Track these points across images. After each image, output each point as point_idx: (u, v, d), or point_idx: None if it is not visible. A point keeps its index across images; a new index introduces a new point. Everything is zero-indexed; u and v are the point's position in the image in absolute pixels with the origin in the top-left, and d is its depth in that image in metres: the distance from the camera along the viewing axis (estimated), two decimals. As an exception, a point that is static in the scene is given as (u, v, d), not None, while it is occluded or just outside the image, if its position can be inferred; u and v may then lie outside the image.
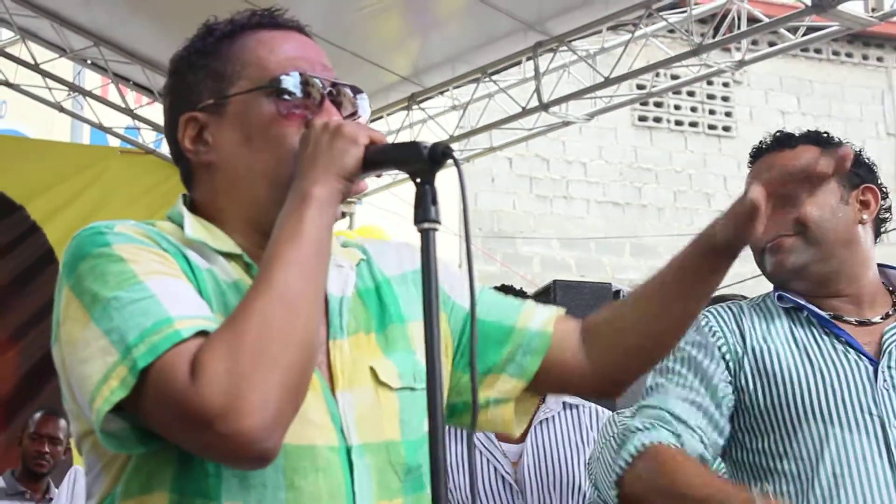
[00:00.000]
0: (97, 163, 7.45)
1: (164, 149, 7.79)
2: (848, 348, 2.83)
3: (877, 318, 2.90)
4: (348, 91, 1.94)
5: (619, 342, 2.05)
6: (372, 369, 1.88)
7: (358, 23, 6.42)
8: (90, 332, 1.69)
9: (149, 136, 7.76)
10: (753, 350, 2.85)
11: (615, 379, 2.09)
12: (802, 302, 2.88)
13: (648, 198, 14.56)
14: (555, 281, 5.15)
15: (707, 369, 2.83)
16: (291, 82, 1.88)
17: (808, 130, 3.03)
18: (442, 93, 7.50)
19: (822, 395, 2.78)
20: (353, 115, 1.94)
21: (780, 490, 2.75)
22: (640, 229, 14.47)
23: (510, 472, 4.00)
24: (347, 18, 6.28)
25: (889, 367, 2.81)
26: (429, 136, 7.45)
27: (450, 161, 1.70)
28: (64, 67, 7.65)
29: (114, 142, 8.11)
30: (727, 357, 2.84)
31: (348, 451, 1.81)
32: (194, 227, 1.87)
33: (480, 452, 4.01)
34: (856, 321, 2.89)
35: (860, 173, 2.94)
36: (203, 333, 1.66)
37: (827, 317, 2.86)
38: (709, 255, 1.99)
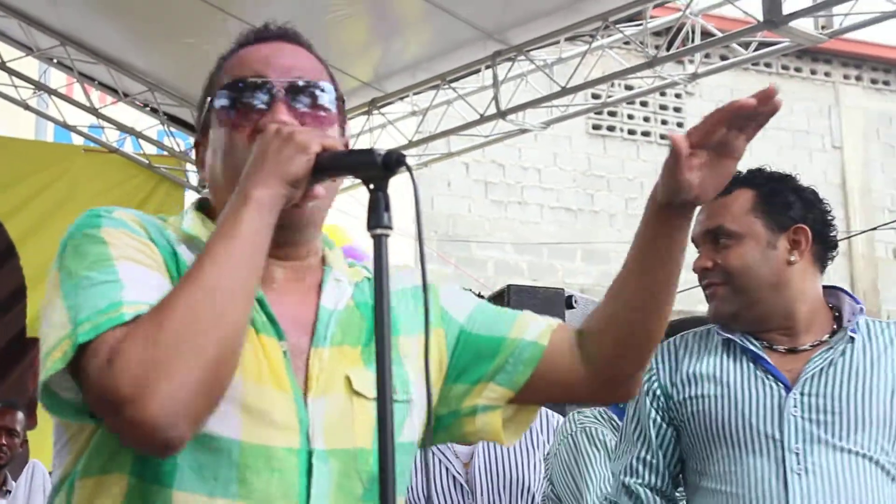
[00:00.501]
0: (61, 160, 7.40)
1: (128, 147, 7.75)
2: (767, 375, 2.93)
3: (806, 346, 2.98)
4: (304, 90, 1.93)
5: (609, 336, 2.01)
6: (347, 378, 1.87)
7: (322, 29, 6.39)
8: (57, 304, 1.71)
9: (112, 136, 7.71)
10: (683, 381, 3.00)
11: (612, 378, 2.05)
12: (732, 336, 3.00)
13: (601, 204, 14.61)
14: (509, 285, 5.15)
15: (645, 423, 3.03)
16: (223, 95, 1.92)
17: (745, 173, 3.09)
18: (402, 98, 7.49)
19: (734, 420, 2.90)
20: (316, 111, 1.92)
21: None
22: (592, 235, 14.51)
23: (461, 473, 4.00)
24: (312, 24, 6.26)
25: (802, 394, 2.89)
26: (388, 140, 7.44)
27: (403, 168, 1.69)
28: (29, 66, 7.59)
29: (77, 140, 8.05)
30: (657, 392, 3.02)
31: (310, 455, 1.79)
32: (193, 221, 1.92)
33: (433, 453, 4.00)
34: (785, 349, 2.99)
35: (792, 215, 3.00)
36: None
37: (753, 347, 2.97)
38: (659, 215, 1.95)
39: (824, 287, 3.08)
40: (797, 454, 2.84)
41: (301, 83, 1.92)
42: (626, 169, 14.81)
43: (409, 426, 1.94)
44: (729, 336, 2.99)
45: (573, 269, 14.29)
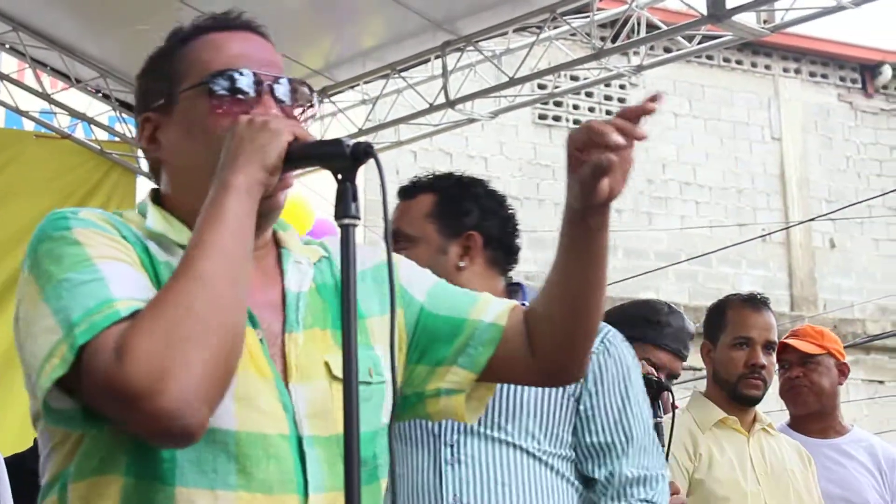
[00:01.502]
0: (12, 145, 7.32)
1: (80, 133, 7.68)
2: None
3: None
4: (287, 85, 1.95)
5: (548, 334, 2.02)
6: (326, 363, 1.89)
7: (272, 15, 6.30)
8: (41, 311, 1.70)
9: (63, 122, 7.65)
10: None
11: (557, 362, 2.05)
12: None
13: (546, 193, 14.65)
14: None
15: None
16: (224, 81, 1.90)
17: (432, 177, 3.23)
18: (352, 87, 7.47)
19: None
20: (300, 108, 1.95)
21: None
22: (538, 223, 14.54)
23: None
24: (262, 10, 6.22)
25: None
26: (338, 128, 7.43)
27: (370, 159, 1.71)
28: (-23, 51, 7.52)
29: (28, 126, 7.97)
30: None
31: (300, 441, 1.81)
32: (156, 219, 1.90)
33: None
34: None
35: (465, 222, 3.11)
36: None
37: None
38: (575, 219, 1.93)
39: (509, 285, 3.21)
40: (452, 446, 2.97)
41: (285, 79, 1.94)
42: (570, 158, 14.86)
43: (388, 408, 1.95)
44: None
45: (518, 256, 14.32)
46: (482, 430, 2.98)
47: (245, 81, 1.90)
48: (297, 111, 1.95)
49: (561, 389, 3.03)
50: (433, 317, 2.05)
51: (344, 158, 1.71)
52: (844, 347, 5.32)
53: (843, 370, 5.08)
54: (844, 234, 16.09)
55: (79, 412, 1.71)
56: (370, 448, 1.89)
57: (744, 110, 15.89)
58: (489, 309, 2.07)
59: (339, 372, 1.85)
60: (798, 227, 15.20)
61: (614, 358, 3.14)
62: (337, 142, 1.72)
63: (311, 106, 1.97)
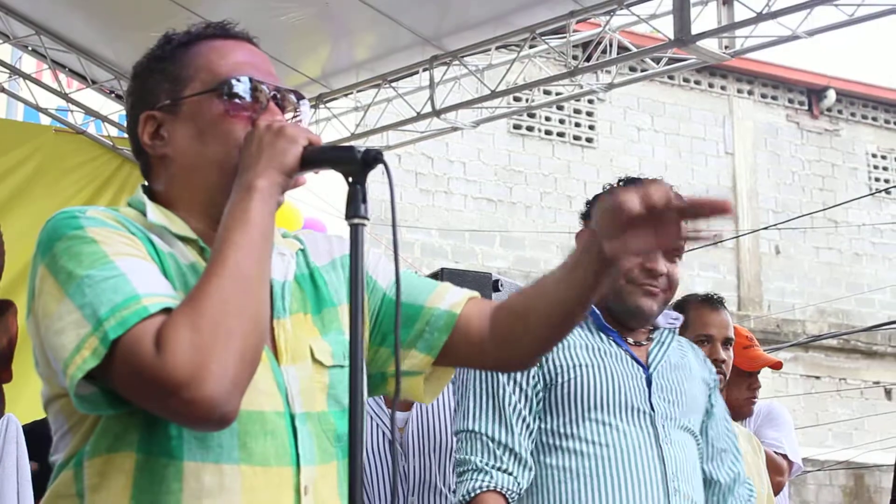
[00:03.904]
0: (34, 138, 7.29)
1: (93, 130, 7.66)
2: (626, 357, 3.07)
3: (643, 341, 3.15)
4: (291, 96, 1.95)
5: (524, 321, 1.98)
6: (311, 347, 1.88)
7: (275, 27, 6.36)
8: (64, 307, 1.68)
9: (77, 119, 7.62)
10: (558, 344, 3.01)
11: (515, 355, 2.04)
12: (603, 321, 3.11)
13: (518, 196, 14.68)
14: (442, 269, 5.16)
15: (521, 382, 3.00)
16: (241, 86, 1.89)
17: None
18: (346, 95, 7.47)
19: (607, 390, 2.99)
20: (295, 117, 1.95)
21: (565, 465, 2.95)
22: (510, 224, 14.58)
23: (396, 437, 4.01)
24: (266, 22, 6.24)
25: (659, 377, 3.07)
26: (332, 132, 7.43)
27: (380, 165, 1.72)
28: (1, 52, 7.49)
29: (44, 121, 7.94)
30: None
31: (292, 418, 1.81)
32: (155, 213, 1.87)
33: (371, 418, 4.02)
34: (633, 342, 3.14)
35: None
36: (167, 310, 1.65)
37: (615, 331, 3.11)
38: (591, 262, 1.86)
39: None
40: (663, 427, 3.00)
41: (286, 89, 1.94)
42: (542, 165, 14.89)
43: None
44: (600, 319, 3.09)
45: (492, 254, 14.35)
46: (678, 416, 3.05)
47: (255, 88, 1.89)
48: (291, 117, 1.94)
49: (705, 396, 3.21)
50: (393, 302, 2.00)
51: (355, 164, 1.71)
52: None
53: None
54: (789, 243, 16.18)
55: (104, 397, 1.70)
56: (344, 426, 1.85)
57: (700, 126, 15.96)
58: (446, 297, 2.04)
59: (319, 356, 1.88)
60: (747, 235, 15.28)
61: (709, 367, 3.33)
62: (349, 148, 1.72)
63: (300, 114, 1.96)
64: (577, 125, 15.27)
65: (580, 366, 2.99)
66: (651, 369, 3.06)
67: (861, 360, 16.33)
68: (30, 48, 7.17)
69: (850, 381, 16.21)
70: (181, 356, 1.59)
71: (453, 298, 2.05)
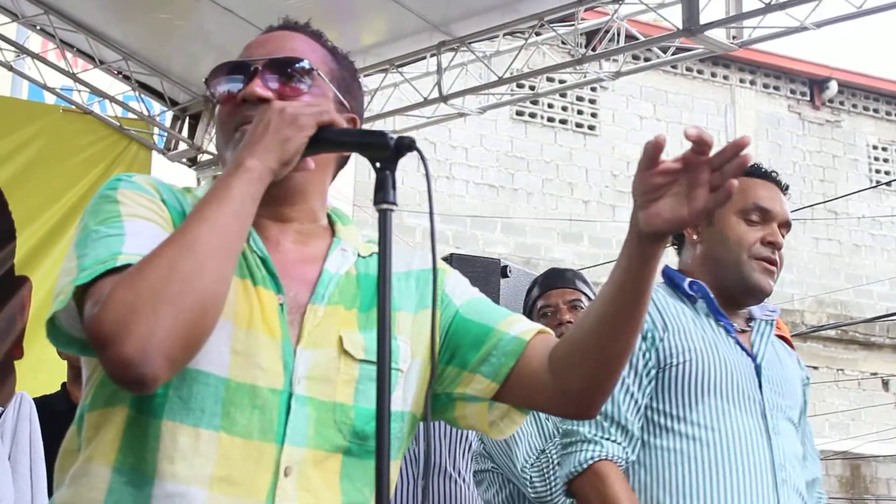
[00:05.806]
0: (41, 117, 7.27)
1: (97, 110, 7.64)
2: (735, 345, 3.02)
3: (745, 327, 3.11)
4: (278, 63, 1.94)
5: (584, 353, 1.90)
6: (340, 337, 1.87)
7: (283, 12, 6.35)
8: (70, 254, 1.76)
9: (83, 98, 7.61)
10: (673, 327, 2.96)
11: (577, 396, 1.93)
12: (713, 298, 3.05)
13: (520, 183, 14.68)
14: (451, 254, 5.16)
15: (631, 359, 2.86)
16: (212, 77, 1.97)
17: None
18: (353, 79, 7.46)
19: (722, 376, 2.94)
20: (290, 82, 1.93)
21: (676, 448, 2.90)
22: (511, 210, 14.58)
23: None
24: (274, 8, 6.24)
25: (767, 367, 3.04)
26: (339, 116, 7.43)
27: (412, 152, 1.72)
28: (7, 31, 7.46)
29: (49, 100, 7.92)
30: (648, 334, 2.93)
31: (290, 397, 1.80)
32: (204, 188, 1.94)
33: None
34: (739, 328, 3.10)
35: None
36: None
37: (726, 317, 3.05)
38: (634, 244, 1.82)
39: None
40: (771, 416, 2.97)
41: (273, 58, 1.93)
42: (544, 152, 14.89)
43: (399, 395, 1.92)
44: (710, 298, 3.04)
45: (492, 240, 14.36)
46: (785, 407, 3.02)
47: (232, 72, 1.95)
48: (290, 86, 1.93)
49: (802, 392, 3.16)
50: (465, 321, 2.00)
51: (387, 150, 1.70)
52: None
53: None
54: (789, 233, 16.18)
55: (78, 340, 1.76)
56: (367, 424, 1.84)
57: (702, 116, 15.95)
58: (516, 325, 2.00)
59: (349, 347, 1.86)
60: (747, 225, 15.26)
61: None
62: (381, 133, 1.70)
63: (302, 81, 1.94)
64: (580, 113, 15.26)
65: (696, 349, 2.93)
66: (758, 359, 3.02)
67: (859, 350, 16.37)
68: (38, 28, 7.15)
69: (848, 371, 16.25)
70: (111, 313, 1.61)
71: (523, 326, 2.00)
